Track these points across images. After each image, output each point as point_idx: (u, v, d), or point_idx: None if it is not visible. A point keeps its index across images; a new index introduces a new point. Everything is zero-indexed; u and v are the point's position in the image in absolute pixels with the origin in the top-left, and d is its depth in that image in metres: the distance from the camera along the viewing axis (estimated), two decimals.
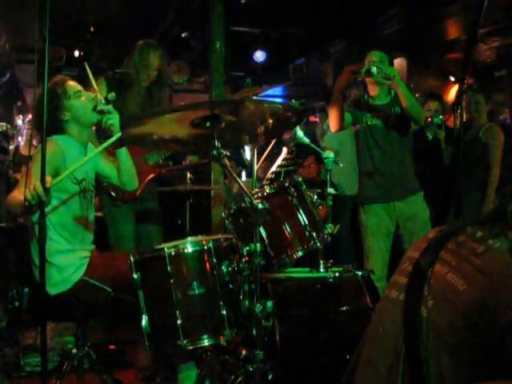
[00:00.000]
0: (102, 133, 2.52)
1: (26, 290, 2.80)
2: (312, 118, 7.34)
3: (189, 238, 2.12)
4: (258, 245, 1.77)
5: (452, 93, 7.01)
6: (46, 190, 1.86)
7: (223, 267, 1.96)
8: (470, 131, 3.93)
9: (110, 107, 2.40)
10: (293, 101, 2.96)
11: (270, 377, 2.06)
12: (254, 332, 1.74)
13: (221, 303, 1.91)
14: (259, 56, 7.50)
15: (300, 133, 2.89)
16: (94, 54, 7.05)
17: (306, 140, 2.91)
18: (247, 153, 6.50)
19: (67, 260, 2.29)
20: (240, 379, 2.08)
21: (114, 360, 2.93)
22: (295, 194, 2.36)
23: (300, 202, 2.36)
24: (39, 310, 1.92)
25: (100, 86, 2.62)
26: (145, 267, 1.98)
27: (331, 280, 2.40)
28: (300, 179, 2.46)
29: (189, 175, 3.61)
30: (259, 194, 2.36)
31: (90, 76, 2.46)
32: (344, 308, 2.32)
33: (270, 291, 2.27)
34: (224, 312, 1.91)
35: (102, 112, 2.39)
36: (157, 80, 3.33)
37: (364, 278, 2.39)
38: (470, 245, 1.10)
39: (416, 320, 1.09)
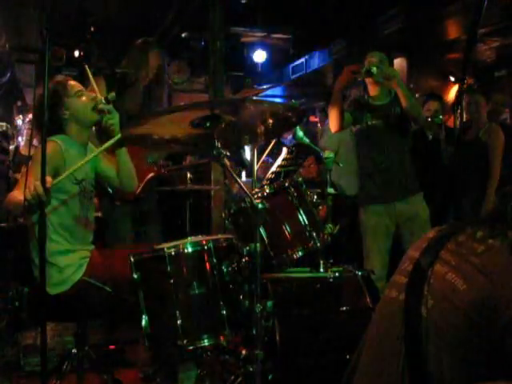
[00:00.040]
0: (102, 133, 2.52)
1: (26, 289, 2.80)
2: (312, 118, 7.34)
3: (189, 238, 2.12)
4: (258, 245, 1.76)
5: (452, 93, 7.01)
6: (46, 190, 1.86)
7: (223, 267, 1.96)
8: (470, 131, 3.93)
9: (110, 107, 2.40)
10: (293, 101, 2.96)
11: (269, 377, 2.06)
12: (254, 332, 1.74)
13: (221, 303, 1.91)
14: (259, 56, 7.50)
15: (300, 133, 2.90)
16: (94, 54, 7.04)
17: (306, 140, 2.91)
18: (247, 153, 6.50)
19: (67, 260, 2.29)
20: (240, 379, 2.08)
21: (114, 360, 2.93)
22: (295, 194, 2.36)
23: (300, 202, 2.35)
24: (39, 310, 1.92)
25: (100, 86, 2.62)
26: (145, 267, 1.98)
27: (331, 280, 2.40)
28: (300, 179, 2.46)
29: (189, 175, 3.61)
30: (259, 194, 2.36)
31: (90, 76, 2.47)
32: (344, 308, 2.31)
33: (270, 291, 2.27)
34: (224, 312, 1.91)
35: (102, 112, 2.39)
36: (155, 79, 3.33)
37: (364, 278, 2.39)
38: (470, 244, 1.10)
39: (416, 320, 1.09)
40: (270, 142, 3.17)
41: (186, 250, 1.94)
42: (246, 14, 6.10)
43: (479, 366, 1.02)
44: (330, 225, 2.44)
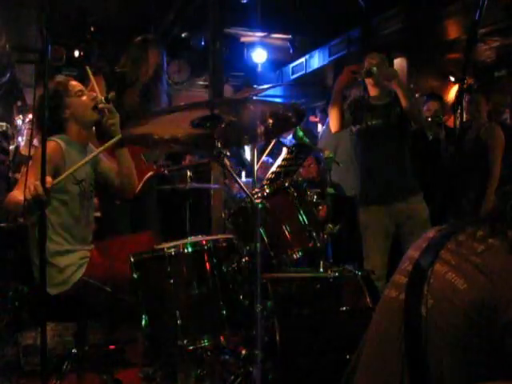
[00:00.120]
0: (102, 133, 2.52)
1: (26, 289, 2.80)
2: (312, 118, 7.34)
3: (189, 238, 2.12)
4: (258, 245, 1.76)
5: (452, 93, 7.01)
6: (46, 190, 1.86)
7: (223, 267, 1.96)
8: (470, 131, 3.93)
9: (110, 106, 2.40)
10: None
11: (269, 377, 2.06)
12: (254, 332, 1.74)
13: (221, 303, 1.91)
14: (259, 56, 7.50)
15: (300, 133, 2.90)
16: (94, 54, 7.05)
17: (306, 140, 2.91)
18: (247, 153, 6.50)
19: (67, 260, 2.29)
20: (240, 379, 2.08)
21: (114, 360, 2.93)
22: (295, 194, 2.36)
23: (300, 202, 2.35)
24: (39, 310, 1.92)
25: (100, 86, 2.62)
26: (145, 267, 1.98)
27: (331, 280, 2.40)
28: (300, 179, 2.46)
29: (189, 173, 3.61)
30: (259, 194, 2.36)
31: (91, 76, 2.47)
32: (344, 308, 2.31)
33: (270, 291, 2.27)
34: (224, 312, 1.91)
35: (102, 111, 2.39)
36: (154, 77, 3.33)
37: (364, 278, 2.39)
38: (470, 244, 1.10)
39: (416, 320, 1.09)
40: (270, 142, 3.16)
41: (185, 250, 1.94)
42: (246, 14, 6.10)
43: (479, 366, 1.02)
44: (330, 225, 2.44)
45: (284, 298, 2.32)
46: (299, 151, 3.06)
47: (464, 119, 1.94)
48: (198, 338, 1.90)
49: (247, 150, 6.49)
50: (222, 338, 1.94)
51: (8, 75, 7.92)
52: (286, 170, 2.97)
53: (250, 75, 8.03)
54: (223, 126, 1.80)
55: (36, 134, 3.32)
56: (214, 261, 1.95)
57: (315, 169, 4.57)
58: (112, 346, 3.09)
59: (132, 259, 1.97)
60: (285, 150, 3.06)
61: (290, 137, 4.97)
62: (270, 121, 1.90)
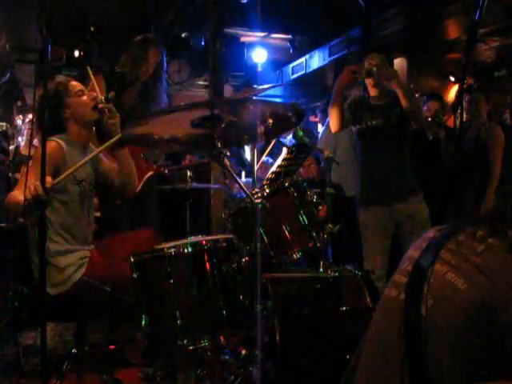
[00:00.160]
0: (102, 133, 2.52)
1: (26, 289, 2.80)
2: (312, 118, 7.33)
3: (189, 238, 2.12)
4: (258, 245, 1.76)
5: (452, 93, 7.01)
6: (46, 190, 1.86)
7: (223, 267, 1.96)
8: (470, 131, 3.93)
9: (110, 107, 2.41)
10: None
11: (270, 377, 2.06)
12: (254, 332, 1.74)
13: (221, 303, 1.91)
14: (259, 56, 7.50)
15: (300, 133, 2.90)
16: (94, 54, 7.05)
17: (306, 140, 2.91)
18: (247, 153, 6.49)
19: (67, 260, 2.29)
20: (240, 379, 2.08)
21: (114, 360, 2.93)
22: (295, 194, 2.36)
23: (300, 202, 2.35)
24: (39, 310, 1.92)
25: (100, 86, 2.63)
26: (145, 267, 1.98)
27: (331, 280, 2.40)
28: (300, 179, 2.46)
29: (189, 173, 3.61)
30: (259, 194, 2.36)
31: (91, 76, 2.48)
32: (344, 308, 2.31)
33: (270, 291, 2.27)
34: (224, 312, 1.91)
35: (102, 111, 2.40)
36: (154, 75, 3.33)
37: (364, 278, 2.39)
38: (470, 244, 1.10)
39: (416, 319, 1.09)
40: (270, 142, 3.16)
41: (185, 250, 1.94)
42: (246, 14, 6.10)
43: (479, 366, 1.02)
44: (330, 225, 2.44)
45: (284, 298, 2.32)
46: (299, 151, 3.05)
47: (464, 119, 1.94)
48: (197, 338, 1.90)
49: (247, 150, 6.49)
50: (222, 338, 1.95)
51: (8, 75, 7.92)
52: (285, 170, 2.96)
53: (250, 75, 8.03)
54: (223, 125, 1.80)
55: (36, 133, 3.32)
56: (214, 261, 1.95)
57: (315, 169, 4.57)
58: (112, 346, 3.09)
59: (132, 259, 1.98)
60: (285, 149, 3.05)
61: (289, 137, 4.97)
62: (270, 121, 1.90)
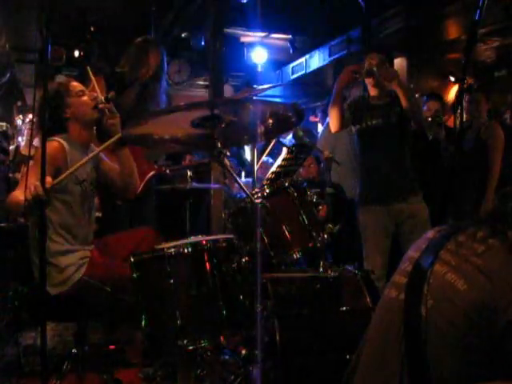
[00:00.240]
0: (102, 133, 2.52)
1: (26, 289, 2.80)
2: (312, 118, 7.33)
3: (189, 238, 2.12)
4: (258, 245, 1.76)
5: (452, 93, 7.01)
6: (46, 191, 1.86)
7: (223, 267, 1.96)
8: (470, 130, 3.93)
9: (110, 107, 2.41)
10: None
11: (270, 377, 2.06)
12: (254, 332, 1.74)
13: (221, 303, 1.91)
14: (259, 56, 7.49)
15: (300, 133, 2.90)
16: (94, 54, 7.04)
17: (306, 140, 2.91)
18: (247, 153, 6.50)
19: (68, 260, 2.29)
20: (240, 379, 2.08)
21: (114, 360, 2.93)
22: (295, 194, 2.36)
23: (300, 202, 2.35)
24: (39, 310, 1.92)
25: (100, 86, 2.63)
26: (145, 267, 1.98)
27: (331, 280, 2.40)
28: (300, 179, 2.46)
29: (189, 173, 3.61)
30: (259, 194, 2.36)
31: (92, 77, 2.48)
32: (344, 308, 2.31)
33: (269, 291, 2.27)
34: (224, 312, 1.91)
35: (102, 111, 2.40)
36: (153, 77, 3.33)
37: (364, 278, 2.39)
38: (470, 245, 1.10)
39: (416, 320, 1.09)
40: (270, 142, 3.16)
41: (185, 250, 1.94)
42: (246, 14, 6.09)
43: (479, 367, 1.02)
44: (330, 225, 2.44)
45: (284, 298, 2.32)
46: (299, 151, 3.06)
47: (464, 119, 1.94)
48: (197, 337, 1.90)
49: (247, 150, 6.49)
50: (222, 338, 1.94)
51: (8, 75, 7.92)
52: (285, 170, 2.97)
53: (250, 75, 8.02)
54: (223, 126, 1.80)
55: (36, 134, 3.32)
56: (214, 261, 1.95)
57: (315, 169, 4.56)
58: (112, 346, 3.09)
59: (132, 259, 1.98)
60: (285, 149, 3.05)
61: (289, 137, 4.97)
62: (270, 121, 1.90)
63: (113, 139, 2.29)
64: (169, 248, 1.93)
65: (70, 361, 2.36)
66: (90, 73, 2.50)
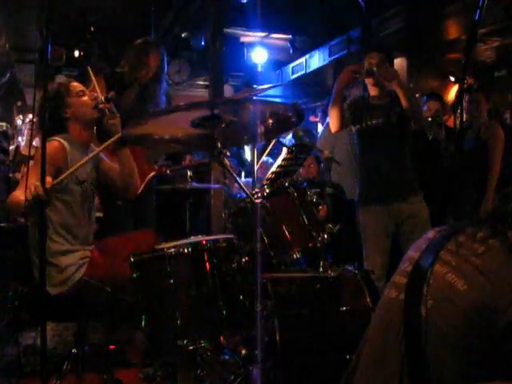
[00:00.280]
0: (103, 133, 2.53)
1: (26, 289, 2.80)
2: (312, 118, 7.33)
3: (189, 238, 2.12)
4: (258, 245, 1.76)
5: (452, 93, 7.01)
6: (46, 191, 1.87)
7: (223, 267, 1.96)
8: (471, 130, 3.93)
9: (111, 107, 2.41)
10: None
11: (270, 377, 2.06)
12: (254, 332, 1.74)
13: (221, 303, 1.91)
14: (259, 56, 7.50)
15: (300, 133, 2.90)
16: (94, 54, 7.05)
17: (306, 140, 2.91)
18: (247, 153, 6.50)
19: (68, 260, 2.29)
20: (240, 379, 2.08)
21: (114, 360, 2.93)
22: (295, 194, 2.36)
23: (300, 202, 2.36)
24: (39, 310, 1.92)
25: (100, 86, 2.63)
26: (145, 267, 1.98)
27: (331, 280, 2.40)
28: (300, 179, 2.46)
29: (189, 173, 3.61)
30: (259, 194, 2.36)
31: (92, 77, 2.48)
32: (344, 308, 2.31)
33: (269, 291, 2.27)
34: (224, 312, 1.91)
35: (102, 111, 2.40)
36: (153, 77, 3.33)
37: (364, 278, 2.39)
38: (470, 245, 1.10)
39: (416, 320, 1.09)
40: (270, 142, 3.17)
41: (185, 250, 1.94)
42: (246, 14, 6.09)
43: (479, 367, 1.02)
44: (330, 225, 2.44)
45: (284, 298, 2.32)
46: (299, 151, 3.06)
47: (464, 119, 1.94)
48: (197, 338, 1.90)
49: (247, 150, 6.49)
50: (222, 338, 1.94)
51: (8, 75, 7.92)
52: (285, 170, 2.97)
53: (250, 75, 8.02)
54: (223, 125, 1.80)
55: (36, 134, 3.32)
56: (214, 261, 1.95)
57: (315, 169, 4.56)
58: (112, 346, 3.09)
59: (132, 259, 1.98)
60: (285, 149, 3.06)
61: (289, 137, 4.97)
62: (270, 121, 1.90)
63: (113, 139, 2.29)
64: (169, 248, 1.93)
65: (69, 361, 2.36)
66: (91, 73, 2.50)
